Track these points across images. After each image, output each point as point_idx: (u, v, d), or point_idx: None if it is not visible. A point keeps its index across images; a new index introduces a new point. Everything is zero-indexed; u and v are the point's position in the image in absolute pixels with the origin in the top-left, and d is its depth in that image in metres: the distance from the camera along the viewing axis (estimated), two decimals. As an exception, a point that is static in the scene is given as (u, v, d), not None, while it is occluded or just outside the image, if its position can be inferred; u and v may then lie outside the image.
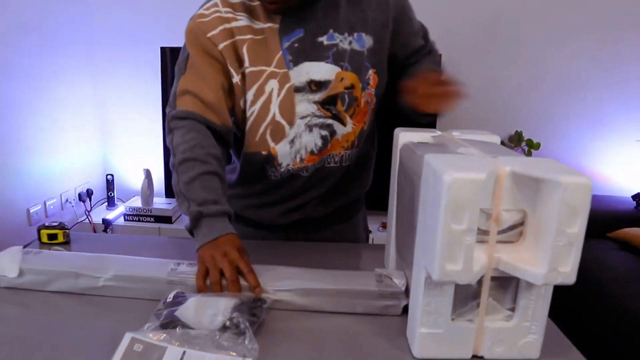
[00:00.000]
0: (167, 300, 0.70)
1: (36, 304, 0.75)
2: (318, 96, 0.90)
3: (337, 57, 0.89)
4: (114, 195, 2.52)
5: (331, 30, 0.88)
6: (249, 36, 0.86)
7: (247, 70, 0.87)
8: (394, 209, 0.84)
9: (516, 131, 2.44)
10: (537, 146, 2.42)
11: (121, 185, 2.62)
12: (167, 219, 2.37)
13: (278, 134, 0.91)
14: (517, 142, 2.42)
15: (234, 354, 0.61)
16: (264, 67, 0.87)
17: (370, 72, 0.93)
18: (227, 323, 0.65)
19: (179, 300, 0.69)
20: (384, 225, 2.41)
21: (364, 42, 0.91)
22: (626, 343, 1.60)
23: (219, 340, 0.62)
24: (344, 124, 0.94)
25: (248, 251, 0.79)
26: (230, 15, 0.86)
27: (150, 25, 2.40)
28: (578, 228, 0.53)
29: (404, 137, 0.80)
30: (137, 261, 0.82)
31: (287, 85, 0.88)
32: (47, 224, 0.99)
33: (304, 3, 0.86)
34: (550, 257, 0.54)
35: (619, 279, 1.79)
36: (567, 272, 0.55)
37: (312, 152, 0.94)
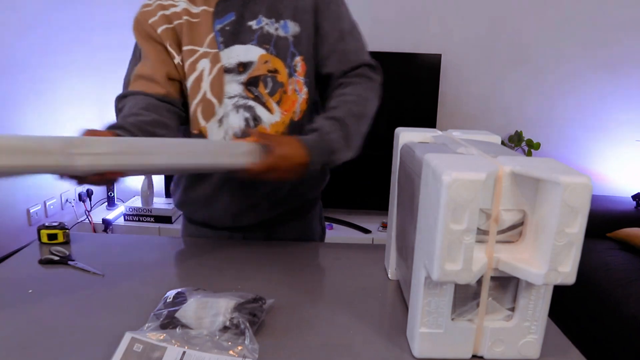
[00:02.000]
0: (167, 301, 0.70)
1: (36, 304, 0.75)
2: (244, 77, 0.94)
3: (261, 39, 0.93)
4: (114, 195, 2.52)
5: (260, 15, 0.93)
6: (185, 18, 0.93)
7: (183, 49, 0.94)
8: (394, 209, 0.84)
9: (516, 131, 2.44)
10: (537, 146, 2.42)
11: (121, 185, 2.62)
12: (167, 219, 2.37)
13: (208, 112, 0.95)
14: (517, 142, 2.43)
15: (234, 354, 0.61)
16: (196, 47, 0.93)
17: (298, 58, 0.95)
18: (227, 323, 0.65)
19: (179, 300, 0.70)
20: (384, 225, 2.42)
21: (289, 28, 0.94)
22: (626, 343, 1.60)
23: (219, 341, 0.63)
24: (269, 109, 0.95)
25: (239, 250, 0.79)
26: (169, 2, 0.95)
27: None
28: (578, 228, 0.53)
29: (404, 137, 0.80)
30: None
31: (218, 66, 0.93)
32: (47, 224, 0.99)
33: None
34: (550, 257, 0.54)
35: (619, 279, 1.79)
36: (567, 272, 0.55)
37: (236, 135, 0.95)
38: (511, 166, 0.56)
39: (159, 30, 0.93)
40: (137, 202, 2.44)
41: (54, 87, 2.21)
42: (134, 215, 2.39)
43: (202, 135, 0.95)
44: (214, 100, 0.94)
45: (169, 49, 0.93)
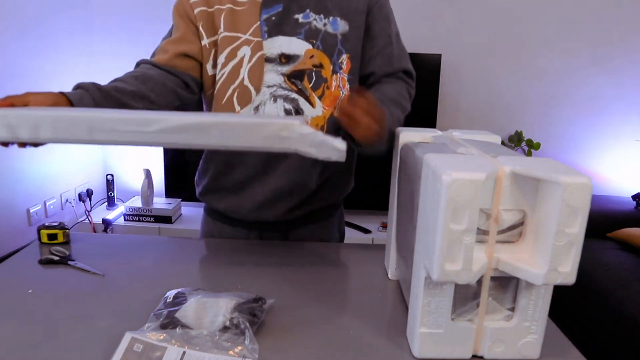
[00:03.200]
0: (167, 301, 0.70)
1: (36, 304, 0.75)
2: (286, 69, 0.96)
3: (309, 34, 0.95)
4: (114, 195, 2.52)
5: (308, 10, 0.95)
6: (228, 5, 0.95)
7: (221, 35, 0.95)
8: (394, 209, 0.84)
9: (516, 131, 2.44)
10: (537, 146, 2.42)
11: (121, 185, 2.62)
12: (167, 219, 2.37)
13: (244, 98, 0.96)
14: (517, 142, 2.43)
15: (234, 354, 0.61)
16: (239, 34, 0.95)
17: (344, 56, 0.97)
18: (227, 323, 0.65)
19: (179, 300, 0.70)
20: (384, 225, 2.42)
21: (339, 26, 0.96)
22: (626, 343, 1.60)
23: (219, 341, 0.63)
24: (311, 103, 0.97)
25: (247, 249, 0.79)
26: None
27: (150, 26, 2.40)
28: (578, 228, 0.53)
29: (404, 137, 0.80)
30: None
31: (259, 54, 0.95)
32: (47, 224, 0.99)
33: None
34: (550, 257, 0.54)
35: (619, 279, 1.79)
36: (567, 272, 0.55)
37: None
38: (511, 166, 0.56)
39: (196, 10, 0.95)
40: (137, 202, 2.44)
41: (52, 87, 2.21)
42: (134, 215, 2.39)
43: None
44: (251, 88, 0.95)
45: (200, 29, 0.95)
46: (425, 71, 2.27)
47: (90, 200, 2.46)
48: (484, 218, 0.57)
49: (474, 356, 0.64)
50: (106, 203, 2.54)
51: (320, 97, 0.97)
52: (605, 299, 1.74)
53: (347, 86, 0.99)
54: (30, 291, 0.79)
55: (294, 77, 0.96)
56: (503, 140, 2.44)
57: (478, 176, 0.53)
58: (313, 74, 0.96)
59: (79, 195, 2.42)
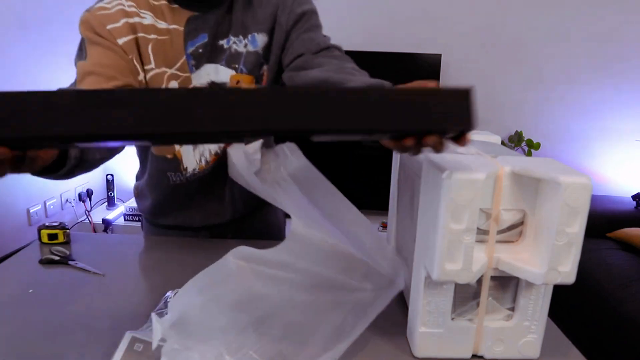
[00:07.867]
0: (167, 300, 0.70)
1: (36, 304, 0.75)
2: None
3: (230, 60, 0.90)
4: (114, 195, 2.52)
5: (230, 35, 0.89)
6: (153, 36, 0.84)
7: (152, 72, 0.86)
8: (394, 209, 0.84)
9: (516, 131, 2.44)
10: (537, 146, 2.42)
11: (121, 185, 2.62)
12: (167, 219, 2.37)
13: None
14: (517, 142, 2.43)
15: (234, 353, 0.61)
16: (165, 69, 0.87)
17: (264, 68, 0.92)
18: (227, 323, 0.65)
19: (179, 300, 0.70)
20: (384, 225, 2.42)
21: (257, 42, 0.91)
22: (626, 343, 1.60)
23: (219, 340, 0.62)
24: None
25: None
26: (133, 10, 0.83)
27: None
28: (578, 228, 0.54)
29: (404, 137, 0.80)
30: None
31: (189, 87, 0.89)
32: (47, 224, 0.99)
33: (208, 5, 0.86)
34: (550, 257, 0.54)
35: (619, 279, 1.79)
36: (567, 272, 0.55)
37: (216, 153, 0.95)
38: (511, 166, 0.57)
39: (121, 41, 0.81)
40: (137, 202, 2.44)
41: (53, 87, 2.20)
42: (134, 215, 2.39)
43: (176, 159, 0.94)
44: None
45: (135, 63, 0.83)
46: (425, 71, 2.27)
47: (90, 200, 2.46)
48: (484, 218, 0.57)
49: (474, 356, 0.64)
50: (106, 203, 2.54)
51: None
52: (605, 299, 1.74)
53: None
54: (30, 291, 0.79)
55: None
56: (503, 140, 2.44)
57: (478, 176, 0.53)
58: None
59: (79, 195, 2.42)
